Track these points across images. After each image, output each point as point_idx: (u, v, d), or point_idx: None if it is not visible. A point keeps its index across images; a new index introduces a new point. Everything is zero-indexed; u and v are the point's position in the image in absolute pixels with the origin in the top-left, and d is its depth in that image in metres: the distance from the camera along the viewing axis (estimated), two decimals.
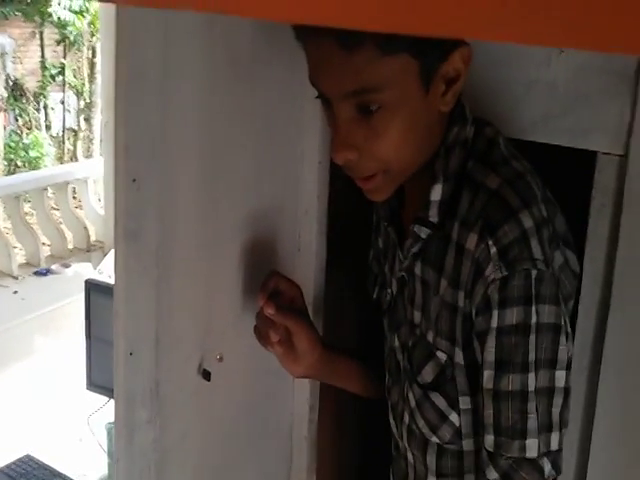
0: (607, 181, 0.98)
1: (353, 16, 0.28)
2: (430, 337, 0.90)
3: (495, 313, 0.80)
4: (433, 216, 0.87)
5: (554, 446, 0.83)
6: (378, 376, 1.08)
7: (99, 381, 1.82)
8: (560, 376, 0.82)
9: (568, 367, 0.83)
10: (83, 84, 9.86)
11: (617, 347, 0.99)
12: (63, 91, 9.98)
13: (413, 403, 0.94)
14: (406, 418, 0.98)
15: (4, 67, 9.38)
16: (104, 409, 1.86)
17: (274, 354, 1.00)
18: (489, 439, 0.84)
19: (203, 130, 0.92)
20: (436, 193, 0.86)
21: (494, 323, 0.80)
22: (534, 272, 0.78)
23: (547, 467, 0.83)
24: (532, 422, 0.81)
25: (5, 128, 9.11)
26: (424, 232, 0.88)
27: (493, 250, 0.79)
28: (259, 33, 0.96)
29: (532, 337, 0.80)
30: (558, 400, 0.83)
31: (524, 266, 0.78)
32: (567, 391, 0.84)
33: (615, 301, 0.98)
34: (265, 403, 1.16)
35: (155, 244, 0.86)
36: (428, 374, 0.91)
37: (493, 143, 0.87)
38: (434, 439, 0.93)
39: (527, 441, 0.82)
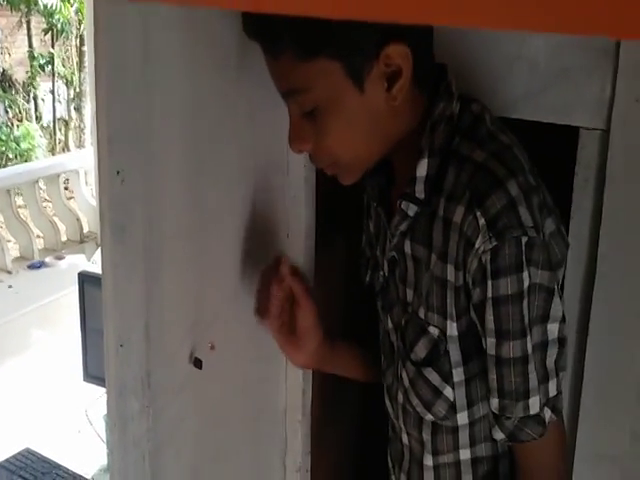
0: (590, 156, 0.98)
1: (329, 6, 0.28)
2: (422, 313, 0.91)
3: (489, 283, 0.81)
4: (419, 192, 0.87)
5: (552, 392, 0.86)
6: (375, 361, 1.08)
7: (95, 372, 1.82)
8: (553, 329, 0.84)
9: (563, 320, 0.85)
10: (72, 73, 9.76)
11: (602, 322, 1.00)
12: (52, 81, 9.89)
13: (407, 382, 0.95)
14: (400, 398, 0.98)
15: None
16: (101, 400, 1.87)
17: (276, 341, 1.02)
18: (494, 402, 0.87)
19: (188, 120, 0.91)
20: (422, 169, 0.86)
21: (489, 293, 0.81)
22: (524, 239, 0.79)
23: (547, 415, 0.86)
24: (533, 381, 0.84)
25: None
26: (411, 209, 0.89)
27: (482, 221, 0.79)
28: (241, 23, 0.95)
29: (525, 301, 0.81)
30: (552, 351, 0.84)
31: (514, 234, 0.79)
32: (562, 341, 0.85)
33: (600, 276, 0.99)
34: (258, 389, 1.17)
35: (142, 236, 0.85)
36: (421, 350, 0.91)
37: (479, 119, 0.88)
38: (429, 417, 0.94)
39: (530, 400, 0.84)
